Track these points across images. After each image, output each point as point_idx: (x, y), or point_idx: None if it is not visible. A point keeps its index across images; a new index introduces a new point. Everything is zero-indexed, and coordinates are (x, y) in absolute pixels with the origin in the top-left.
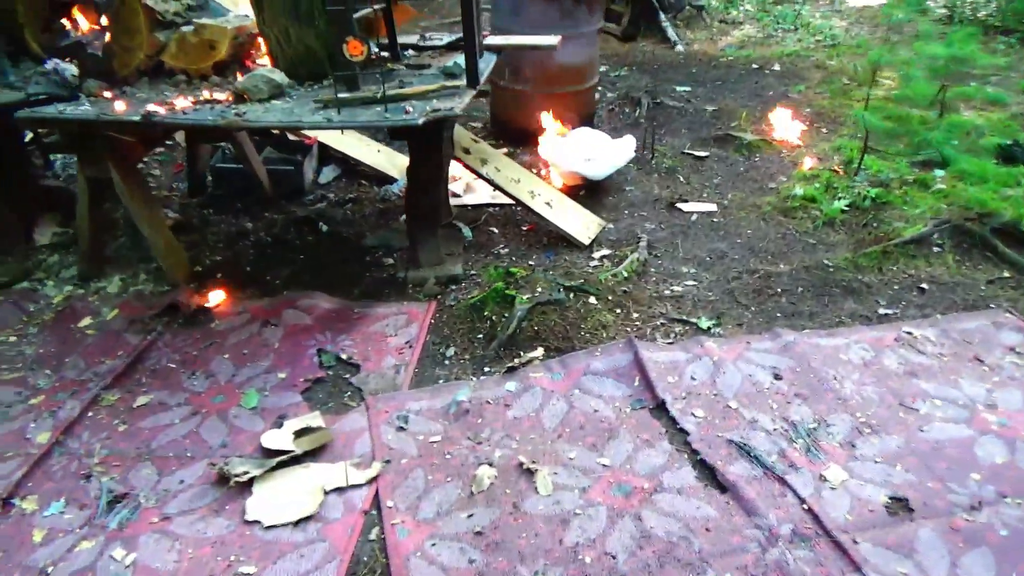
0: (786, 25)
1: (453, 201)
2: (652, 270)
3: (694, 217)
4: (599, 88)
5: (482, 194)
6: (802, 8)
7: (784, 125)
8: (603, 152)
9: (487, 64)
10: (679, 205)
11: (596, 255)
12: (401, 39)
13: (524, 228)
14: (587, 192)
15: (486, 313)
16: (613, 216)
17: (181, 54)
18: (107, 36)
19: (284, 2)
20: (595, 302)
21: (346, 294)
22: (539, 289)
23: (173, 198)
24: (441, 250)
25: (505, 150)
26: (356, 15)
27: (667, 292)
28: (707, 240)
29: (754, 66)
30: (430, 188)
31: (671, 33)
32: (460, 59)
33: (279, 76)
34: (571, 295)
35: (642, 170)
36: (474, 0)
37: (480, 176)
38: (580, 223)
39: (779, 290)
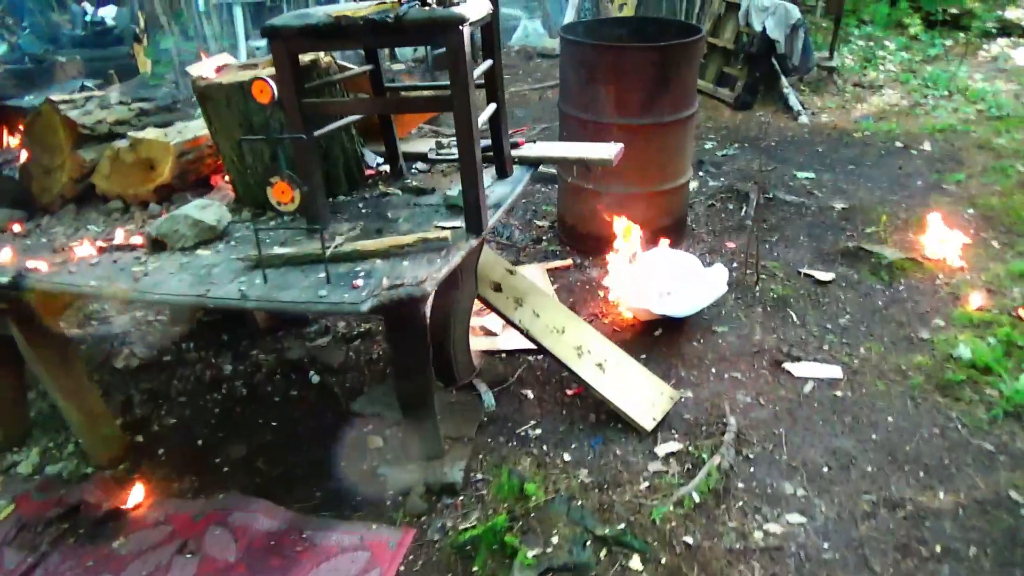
0: (938, 91)
1: (485, 344)
2: (740, 486)
3: (808, 387)
4: (699, 174)
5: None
6: (958, 69)
7: (938, 235)
8: (685, 285)
9: (515, 186)
10: (788, 366)
11: (661, 450)
12: (411, 146)
13: (569, 392)
14: (663, 332)
15: (475, 569)
16: (694, 376)
17: (115, 176)
18: (24, 154)
19: (234, 111)
20: (639, 567)
21: (306, 495)
22: (555, 537)
23: (150, 325)
24: (440, 437)
25: (568, 261)
26: (320, 132)
27: (757, 539)
28: (826, 431)
29: (897, 144)
30: (414, 374)
31: (794, 101)
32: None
33: (213, 215)
34: (603, 552)
35: (742, 299)
36: (498, 96)
37: (511, 324)
38: (643, 395)
39: (937, 548)
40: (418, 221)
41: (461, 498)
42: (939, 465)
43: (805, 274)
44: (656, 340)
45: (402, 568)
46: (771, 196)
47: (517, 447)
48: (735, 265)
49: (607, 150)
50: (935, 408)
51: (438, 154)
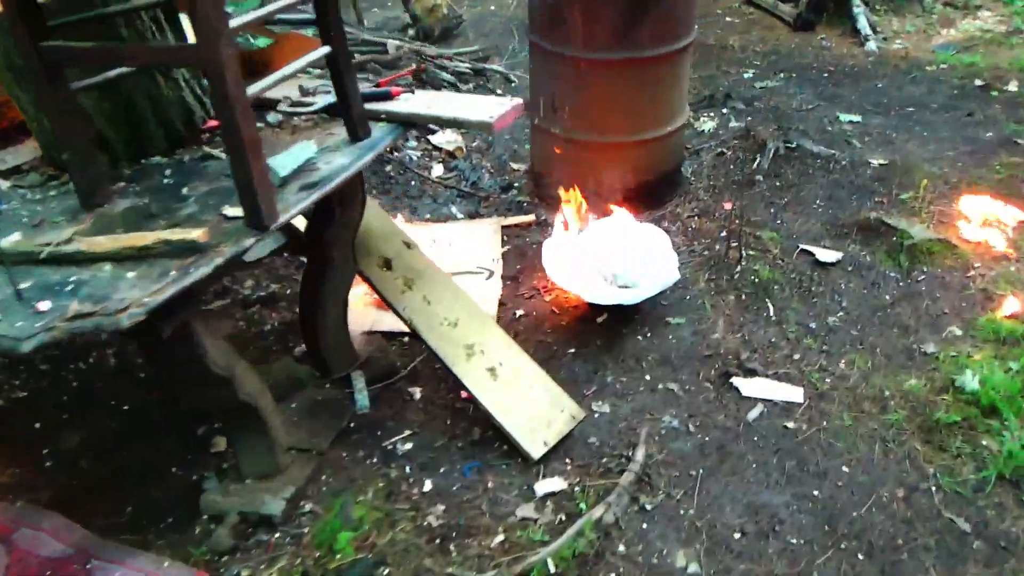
0: None
1: (380, 322)
2: (619, 550)
3: (756, 412)
4: (723, 111)
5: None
6: None
7: (985, 210)
8: (635, 266)
9: (362, 156)
10: (738, 382)
11: (541, 487)
12: (286, 89)
13: (464, 394)
14: (608, 319)
15: None
16: (621, 383)
17: None
18: None
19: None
20: None
21: (117, 508)
22: None
23: None
24: (276, 452)
25: (531, 217)
26: None
27: None
28: (757, 478)
29: (976, 82)
30: (208, 390)
31: (863, 23)
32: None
33: None
34: None
35: (715, 281)
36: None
37: (394, 311)
38: (539, 413)
39: None
40: (211, 203)
41: (276, 536)
42: (888, 546)
43: (804, 251)
44: (595, 329)
45: None
46: (794, 145)
47: (376, 466)
48: (723, 234)
49: (492, 109)
50: (909, 458)
51: (293, 104)
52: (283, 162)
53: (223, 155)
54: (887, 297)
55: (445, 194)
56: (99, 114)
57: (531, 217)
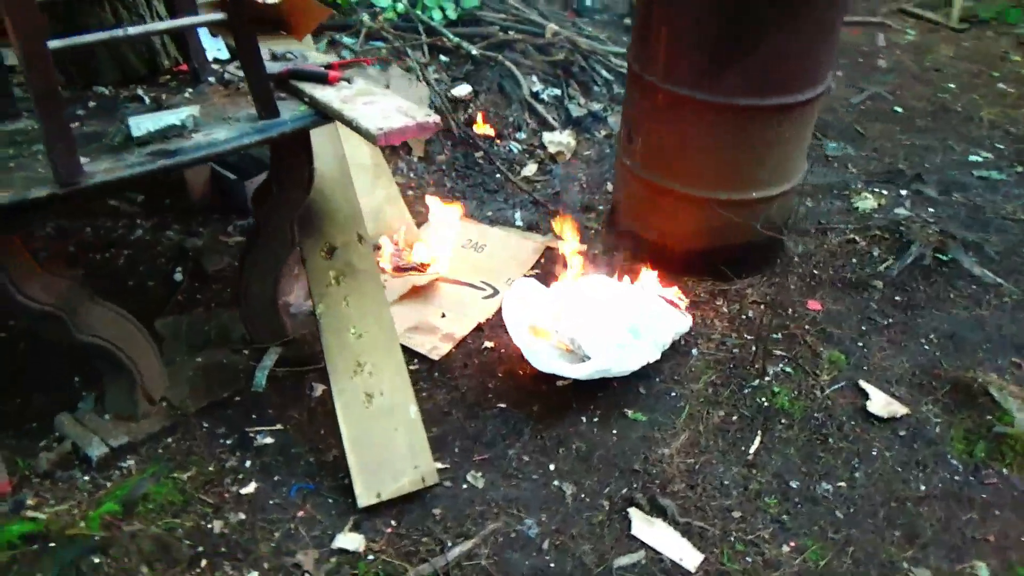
0: None
1: None
2: None
3: (629, 559)
4: (901, 193)
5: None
6: None
7: None
8: (596, 339)
9: (250, 136)
10: (634, 516)
11: (340, 541)
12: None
13: None
14: (568, 387)
15: None
16: (522, 463)
17: None
18: None
19: None
20: None
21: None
22: None
23: None
24: (135, 400)
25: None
26: None
27: None
28: None
29: None
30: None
31: None
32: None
33: None
34: None
35: (717, 386)
36: None
37: (312, 304)
38: (388, 459)
39: None
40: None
41: (84, 479)
42: None
43: (860, 389)
44: (547, 392)
45: None
46: (948, 258)
47: (221, 448)
48: (772, 335)
49: (393, 120)
50: None
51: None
52: (141, 123)
53: (146, 100)
54: (922, 487)
55: (518, 197)
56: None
57: (584, 246)
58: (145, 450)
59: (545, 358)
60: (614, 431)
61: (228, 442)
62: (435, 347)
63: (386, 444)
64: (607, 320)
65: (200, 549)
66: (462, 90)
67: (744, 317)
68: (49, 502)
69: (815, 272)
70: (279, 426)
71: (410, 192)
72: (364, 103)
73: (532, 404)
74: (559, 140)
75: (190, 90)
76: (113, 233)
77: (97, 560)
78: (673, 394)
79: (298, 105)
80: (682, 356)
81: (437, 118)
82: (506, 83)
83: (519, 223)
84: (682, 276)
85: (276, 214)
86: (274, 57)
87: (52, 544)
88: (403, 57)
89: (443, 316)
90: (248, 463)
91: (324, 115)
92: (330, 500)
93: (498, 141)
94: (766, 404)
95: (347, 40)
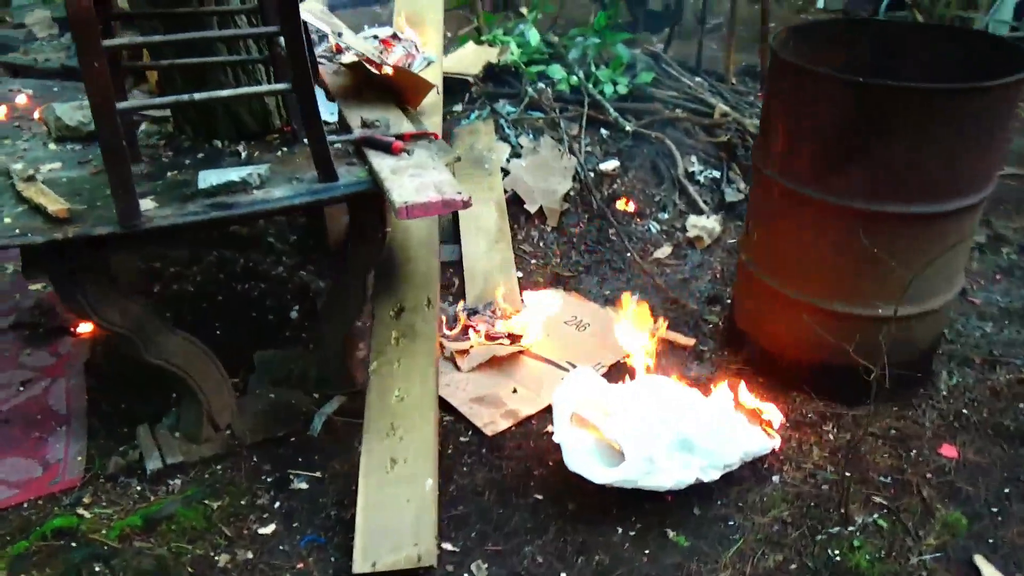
0: None
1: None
2: None
3: None
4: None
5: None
6: None
7: None
8: (639, 444)
9: (305, 196)
10: None
11: None
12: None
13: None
14: (611, 491)
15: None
16: (534, 564)
17: None
18: None
19: None
20: None
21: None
22: None
23: None
24: (202, 423)
25: (690, 341)
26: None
27: None
28: None
29: None
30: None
31: None
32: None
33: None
34: None
35: (789, 523)
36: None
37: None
38: (393, 529)
39: None
40: (163, 191)
41: (137, 488)
42: None
43: (972, 565)
44: (587, 494)
45: None
46: None
47: (259, 484)
48: (853, 474)
49: (418, 195)
50: None
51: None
52: (208, 176)
53: (243, 154)
54: None
55: (642, 279)
56: (174, 90)
57: (691, 341)
58: (194, 472)
59: (578, 455)
60: (646, 551)
61: (268, 479)
62: (492, 422)
63: (395, 514)
64: (656, 427)
65: None
66: (609, 165)
67: (852, 450)
68: (101, 503)
69: (964, 412)
70: (318, 473)
71: (532, 261)
72: (410, 175)
73: (569, 501)
74: (703, 225)
75: (284, 149)
76: (260, 266)
77: (97, 568)
78: (731, 523)
79: (359, 171)
80: (758, 480)
81: (467, 196)
82: (661, 161)
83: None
84: (792, 391)
85: (350, 269)
86: (363, 124)
87: (73, 544)
88: (558, 128)
89: (514, 391)
90: (277, 504)
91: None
92: (332, 558)
93: (638, 219)
94: (839, 559)
95: (509, 108)
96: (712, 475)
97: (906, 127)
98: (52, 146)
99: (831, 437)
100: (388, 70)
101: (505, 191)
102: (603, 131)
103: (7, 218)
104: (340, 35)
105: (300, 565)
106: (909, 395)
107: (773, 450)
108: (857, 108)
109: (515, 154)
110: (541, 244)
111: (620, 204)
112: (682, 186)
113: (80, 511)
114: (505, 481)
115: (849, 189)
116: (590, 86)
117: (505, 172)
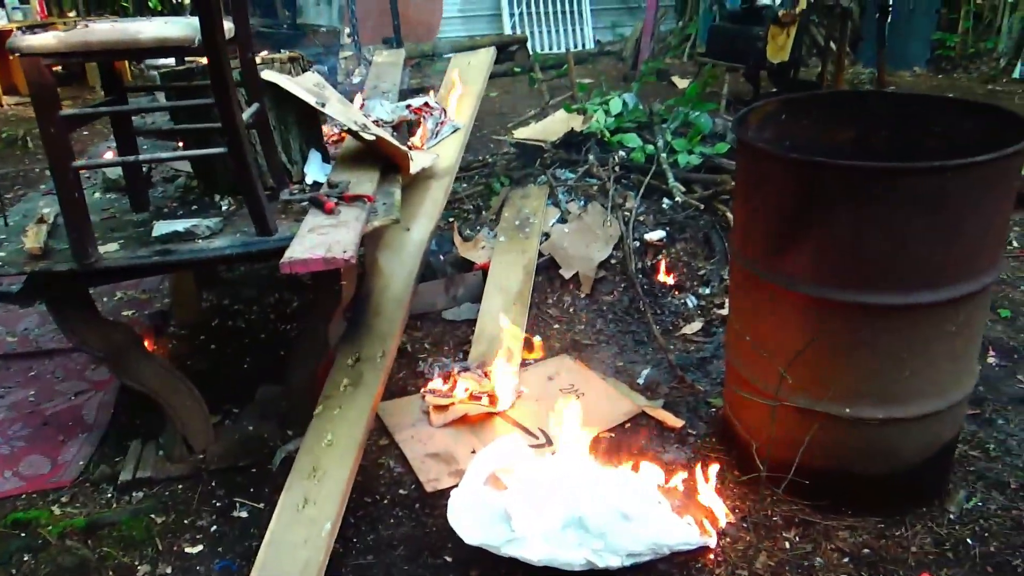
0: None
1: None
2: None
3: None
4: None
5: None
6: None
7: None
8: (527, 514)
9: (241, 248)
10: None
11: None
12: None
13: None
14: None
15: None
16: None
17: None
18: None
19: None
20: None
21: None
22: None
23: None
24: (175, 441)
25: (678, 423)
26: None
27: None
28: None
29: None
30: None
31: None
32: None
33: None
34: None
35: None
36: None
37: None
38: (285, 570)
39: None
40: (134, 234)
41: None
42: None
43: None
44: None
45: None
46: None
47: (202, 510)
48: None
49: (311, 251)
50: None
51: (300, 189)
52: (162, 226)
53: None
54: None
55: (658, 357)
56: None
57: (679, 423)
58: (158, 488)
59: (460, 511)
60: None
61: (217, 504)
62: (435, 479)
63: (291, 553)
64: (553, 499)
65: None
66: (655, 235)
67: (806, 564)
68: (74, 504)
69: (968, 541)
70: (261, 504)
71: (555, 326)
72: (320, 233)
73: (474, 569)
74: None
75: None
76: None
77: (25, 558)
78: None
79: (295, 227)
80: None
81: (349, 254)
82: (716, 235)
83: (640, 380)
84: (766, 489)
85: (310, 316)
86: (328, 184)
87: (22, 535)
88: (608, 195)
89: (472, 452)
90: (214, 528)
91: None
92: None
93: (676, 292)
94: None
95: (568, 174)
96: (610, 561)
97: (847, 208)
98: (97, 195)
99: (787, 546)
100: (370, 137)
101: (543, 255)
102: (664, 201)
103: (2, 252)
104: (323, 106)
105: None
106: (903, 511)
107: (708, 549)
108: (799, 187)
109: (563, 219)
110: (571, 310)
111: (661, 275)
112: None
113: (54, 508)
114: (423, 539)
115: (795, 273)
116: (664, 155)
117: (548, 236)
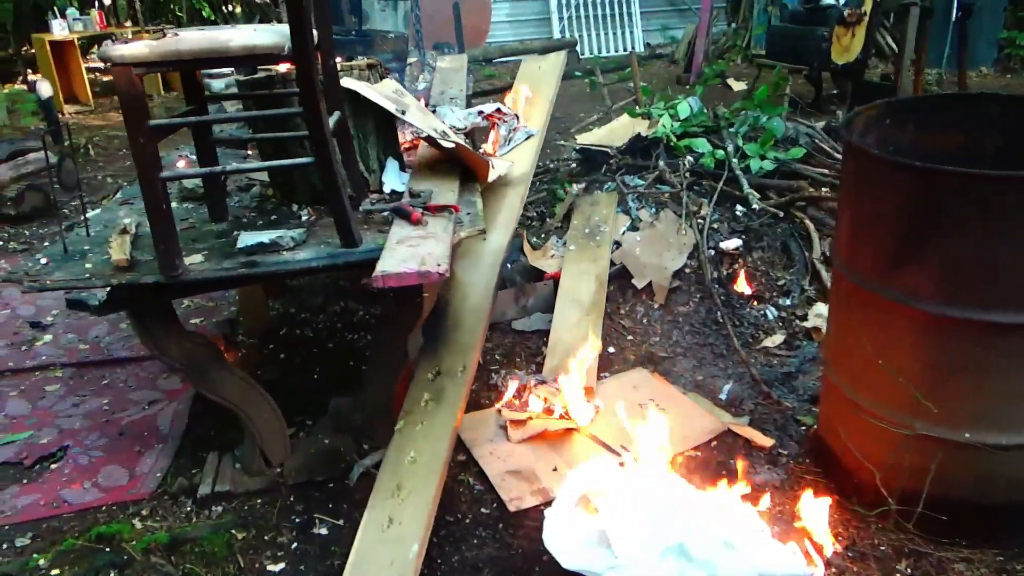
0: None
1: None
2: None
3: None
4: None
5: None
6: None
7: None
8: (630, 540)
9: (327, 259)
10: None
11: None
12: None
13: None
14: None
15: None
16: None
17: None
18: None
19: None
20: None
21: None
22: None
23: None
24: (253, 455)
25: (768, 442)
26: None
27: None
28: None
29: None
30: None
31: None
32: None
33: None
34: None
35: None
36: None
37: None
38: None
39: None
40: (218, 245)
41: (191, 508)
42: None
43: None
44: None
45: None
46: None
47: (284, 526)
48: None
49: (402, 264)
50: None
51: (379, 200)
52: (246, 237)
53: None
54: None
55: (739, 371)
56: (266, 159)
57: (769, 442)
58: (237, 502)
59: (556, 533)
60: None
61: (296, 520)
62: (519, 498)
63: (377, 574)
64: (652, 526)
65: None
66: (731, 243)
67: None
68: (155, 517)
69: None
70: (341, 521)
71: (629, 338)
72: (409, 245)
73: None
74: (826, 314)
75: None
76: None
77: (112, 574)
78: None
79: (381, 239)
80: None
81: (444, 269)
82: (795, 243)
83: (722, 395)
84: (873, 516)
85: (389, 328)
86: (410, 194)
87: (107, 550)
88: (681, 202)
89: (555, 470)
90: (295, 545)
91: None
92: None
93: (754, 303)
94: None
95: (637, 181)
96: None
97: (977, 220)
98: (175, 204)
99: None
100: (450, 145)
101: (615, 264)
102: (739, 208)
103: (88, 263)
104: (404, 113)
105: None
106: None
107: None
108: (922, 197)
109: (634, 227)
110: (644, 321)
111: (738, 285)
112: (815, 270)
113: (135, 521)
114: (508, 561)
115: (915, 289)
116: (735, 161)
117: (619, 244)
